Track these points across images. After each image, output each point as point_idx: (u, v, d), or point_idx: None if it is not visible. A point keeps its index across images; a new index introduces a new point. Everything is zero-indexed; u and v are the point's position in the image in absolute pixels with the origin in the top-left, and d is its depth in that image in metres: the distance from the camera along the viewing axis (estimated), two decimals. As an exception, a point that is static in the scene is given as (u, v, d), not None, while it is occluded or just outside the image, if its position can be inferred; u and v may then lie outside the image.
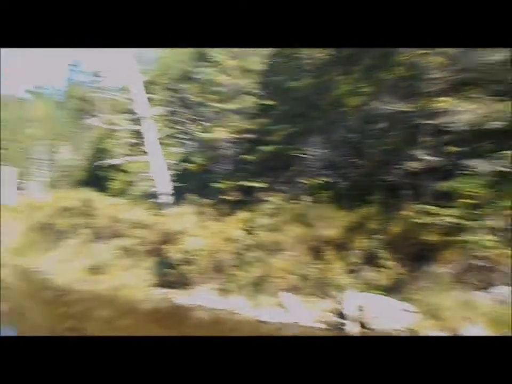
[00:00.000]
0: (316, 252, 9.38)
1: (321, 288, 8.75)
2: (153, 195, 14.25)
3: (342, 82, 10.79)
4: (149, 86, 18.86)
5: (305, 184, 10.87)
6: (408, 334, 6.99)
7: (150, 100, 15.71)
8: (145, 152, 14.47)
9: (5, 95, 63.77)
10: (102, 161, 16.49)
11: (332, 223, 9.51)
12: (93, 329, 8.98)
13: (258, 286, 9.38)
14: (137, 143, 16.12)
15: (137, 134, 15.88)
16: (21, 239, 16.34)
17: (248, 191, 11.68)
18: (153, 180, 14.26)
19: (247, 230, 10.52)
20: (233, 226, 10.78)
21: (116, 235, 13.04)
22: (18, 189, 28.41)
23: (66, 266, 13.09)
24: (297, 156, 11.32)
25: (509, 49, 7.00)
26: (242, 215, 11.15)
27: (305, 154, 11.21)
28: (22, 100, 60.36)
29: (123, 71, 15.63)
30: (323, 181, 10.48)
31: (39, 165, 35.56)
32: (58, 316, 10.02)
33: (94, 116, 17.20)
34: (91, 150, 33.14)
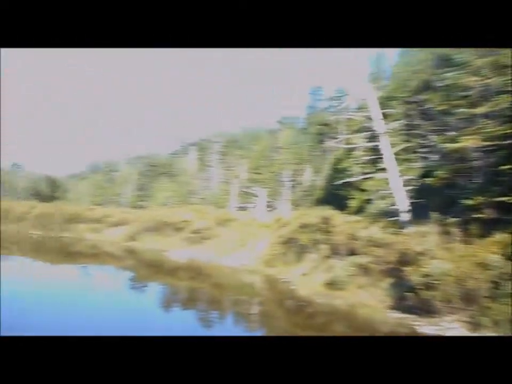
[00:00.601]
0: None
1: None
2: (391, 213, 13.65)
3: None
4: (385, 101, 18.52)
5: None
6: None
7: (386, 115, 15.35)
8: (382, 169, 14.10)
9: (258, 128, 74.61)
10: (340, 181, 17.03)
11: None
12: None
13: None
14: (374, 160, 15.93)
15: (374, 151, 15.68)
16: (271, 251, 18.37)
17: (506, 207, 9.73)
18: (391, 197, 13.71)
19: (505, 255, 8.71)
20: (487, 249, 9.12)
21: (353, 252, 13.04)
22: (269, 207, 32.36)
23: (308, 279, 13.87)
24: None
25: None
26: (499, 236, 9.33)
27: None
28: (272, 131, 69.53)
29: (359, 91, 15.86)
30: None
31: (286, 186, 39.76)
32: (299, 324, 10.63)
33: (333, 138, 18.02)
34: (330, 171, 34.88)
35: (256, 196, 26.77)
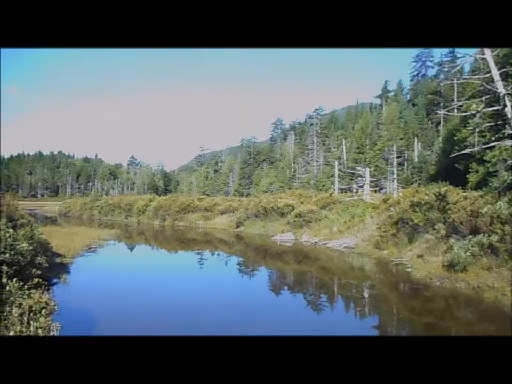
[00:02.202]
0: None
1: None
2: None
3: None
4: (506, 60, 16.22)
5: None
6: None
7: (508, 75, 13.40)
8: (509, 136, 12.36)
9: (359, 103, 71.67)
10: (456, 153, 15.43)
11: None
12: (456, 329, 8.30)
13: None
14: (496, 127, 14.08)
15: (495, 116, 13.85)
16: (380, 233, 17.50)
17: None
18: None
19: None
20: None
21: (475, 231, 11.72)
22: (375, 187, 30.90)
23: (424, 261, 12.89)
24: None
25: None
26: None
27: None
28: (374, 106, 66.07)
29: (474, 53, 14.05)
30: None
31: (393, 164, 37.56)
32: (416, 309, 9.91)
33: (445, 106, 16.38)
34: (444, 143, 32.02)
35: (361, 176, 25.68)
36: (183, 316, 8.98)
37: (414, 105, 55.83)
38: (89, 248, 18.42)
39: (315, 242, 20.57)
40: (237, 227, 28.57)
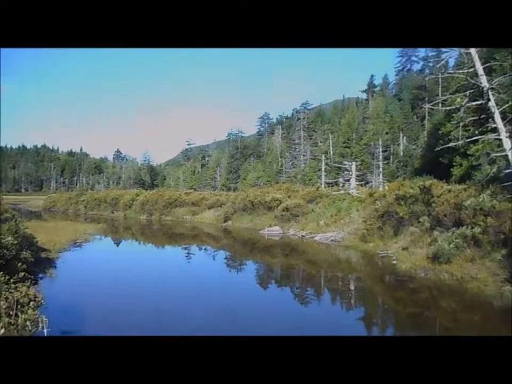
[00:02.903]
0: None
1: None
2: (503, 178, 12.17)
3: None
4: (490, 54, 16.46)
5: None
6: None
7: (492, 69, 13.60)
8: (492, 130, 12.57)
9: (346, 98, 71.94)
10: (441, 147, 15.64)
11: None
12: (440, 318, 8.51)
13: None
14: (480, 121, 14.30)
15: (479, 110, 14.07)
16: (366, 226, 17.69)
17: None
18: (504, 160, 12.18)
19: None
20: None
21: (459, 223, 11.94)
22: (361, 180, 31.17)
23: (409, 253, 13.10)
24: None
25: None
26: None
27: None
28: (360, 101, 66.45)
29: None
30: None
31: (379, 158, 37.92)
32: (402, 300, 10.09)
33: (430, 101, 16.57)
34: (429, 137, 32.44)
35: (347, 170, 25.88)
36: (171, 311, 8.96)
37: (399, 99, 56.33)
38: (75, 243, 18.24)
39: (302, 236, 20.70)
40: (225, 221, 28.56)
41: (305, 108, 68.41)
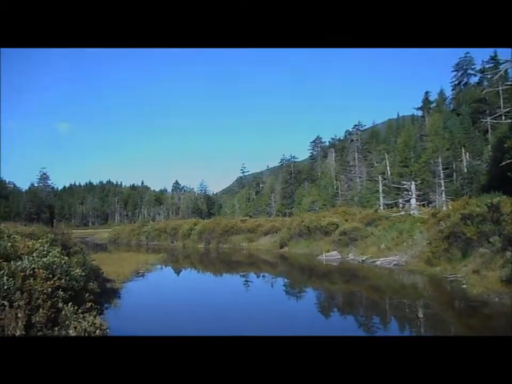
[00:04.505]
0: None
1: None
2: None
3: None
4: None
5: None
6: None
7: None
8: None
9: (400, 117, 70.12)
10: (507, 161, 14.65)
11: None
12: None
13: None
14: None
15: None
16: (431, 248, 16.74)
17: None
18: None
19: None
20: None
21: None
22: (422, 200, 29.78)
23: (480, 277, 12.17)
24: None
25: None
26: None
27: None
28: (416, 118, 64.43)
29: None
30: None
31: (440, 176, 36.18)
32: (475, 327, 9.30)
33: (491, 114, 15.70)
34: (494, 152, 30.52)
35: (407, 190, 24.89)
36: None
37: (458, 114, 53.85)
38: (138, 273, 18.90)
39: (362, 260, 20.00)
40: (281, 247, 28.38)
41: (357, 128, 67.42)
